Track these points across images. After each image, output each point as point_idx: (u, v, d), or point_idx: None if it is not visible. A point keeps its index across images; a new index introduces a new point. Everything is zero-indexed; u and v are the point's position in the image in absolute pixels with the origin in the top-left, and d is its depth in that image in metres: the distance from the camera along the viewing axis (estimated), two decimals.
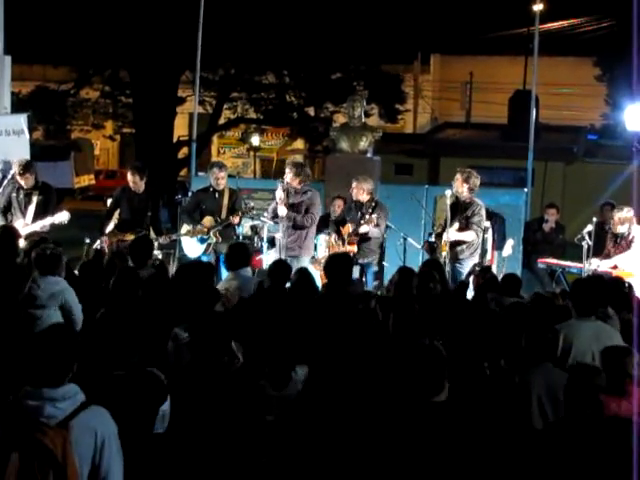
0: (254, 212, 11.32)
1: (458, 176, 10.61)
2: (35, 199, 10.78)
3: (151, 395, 5.06)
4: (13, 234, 8.89)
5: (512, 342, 5.90)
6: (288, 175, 10.73)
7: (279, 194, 10.72)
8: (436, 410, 4.56)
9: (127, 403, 4.90)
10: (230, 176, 11.84)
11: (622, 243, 10.85)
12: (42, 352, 4.09)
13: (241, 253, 8.35)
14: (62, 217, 10.69)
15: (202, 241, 11.01)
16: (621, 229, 10.89)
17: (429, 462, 4.47)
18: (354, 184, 11.03)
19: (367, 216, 10.79)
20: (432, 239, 11.15)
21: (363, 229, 10.80)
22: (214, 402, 5.11)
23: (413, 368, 4.66)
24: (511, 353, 5.92)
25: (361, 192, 10.98)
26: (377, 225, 10.87)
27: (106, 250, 10.64)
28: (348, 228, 10.90)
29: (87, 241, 10.95)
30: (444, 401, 4.64)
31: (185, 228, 11.07)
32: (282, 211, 10.65)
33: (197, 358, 5.44)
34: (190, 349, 5.67)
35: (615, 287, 7.87)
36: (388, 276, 10.42)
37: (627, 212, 10.91)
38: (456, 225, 10.44)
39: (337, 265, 7.77)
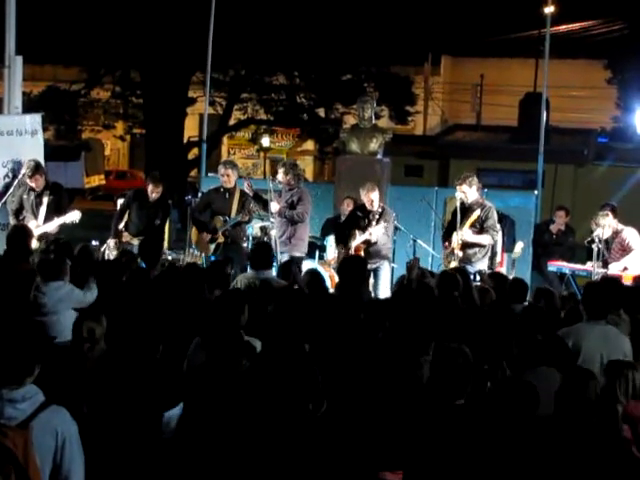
0: (262, 212, 11.40)
1: (460, 186, 10.56)
2: (46, 200, 10.81)
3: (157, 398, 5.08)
4: (25, 233, 8.90)
5: (509, 346, 5.90)
6: (279, 174, 11.20)
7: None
8: (458, 413, 4.59)
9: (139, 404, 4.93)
10: (240, 177, 11.87)
11: (614, 247, 10.80)
12: (1, 353, 4.09)
13: (265, 254, 8.31)
14: (73, 216, 10.72)
15: (212, 241, 11.04)
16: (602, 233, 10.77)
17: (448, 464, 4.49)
18: (362, 192, 10.91)
19: (371, 227, 10.70)
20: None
21: (366, 236, 10.71)
22: (225, 402, 5.12)
23: (441, 371, 4.69)
24: (510, 357, 5.92)
25: (369, 201, 10.82)
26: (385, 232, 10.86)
27: (107, 252, 10.73)
28: (355, 236, 10.80)
29: (94, 243, 10.95)
30: (464, 404, 4.66)
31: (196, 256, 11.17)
32: (274, 207, 11.00)
33: (210, 358, 5.44)
34: (204, 349, 5.68)
35: (629, 289, 7.83)
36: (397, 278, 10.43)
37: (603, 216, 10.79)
38: (467, 226, 10.44)
39: (350, 268, 7.74)
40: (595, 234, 10.85)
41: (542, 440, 4.63)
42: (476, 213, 10.44)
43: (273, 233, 11.13)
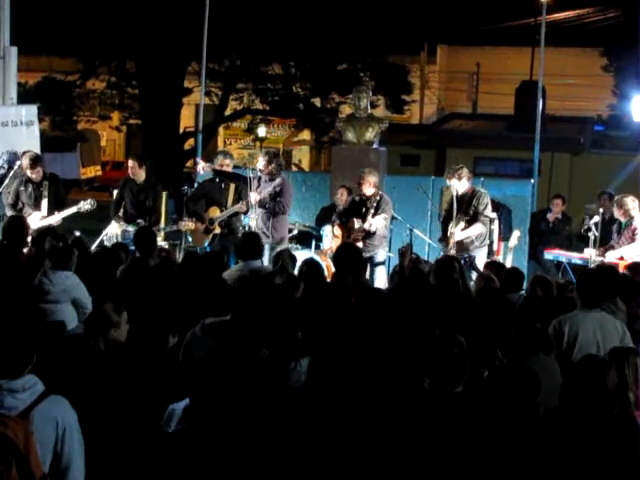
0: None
1: (449, 180, 10.60)
2: (46, 191, 10.77)
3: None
4: (22, 224, 8.89)
5: (507, 334, 5.91)
6: (260, 163, 10.86)
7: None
8: (458, 401, 4.59)
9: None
10: (236, 167, 11.84)
11: (624, 233, 10.75)
12: (0, 344, 4.10)
13: (253, 244, 8.29)
14: (87, 205, 10.74)
15: (207, 232, 11.01)
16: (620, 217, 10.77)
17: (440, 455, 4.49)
18: (359, 177, 10.93)
19: (370, 215, 10.67)
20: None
21: (366, 226, 10.68)
22: (238, 391, 5.08)
23: (437, 360, 4.69)
24: (507, 345, 5.93)
25: (366, 185, 10.84)
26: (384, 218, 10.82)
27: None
28: (353, 223, 10.78)
29: (77, 234, 10.87)
30: (462, 392, 4.66)
31: (186, 224, 11.04)
32: (254, 197, 10.71)
33: (221, 347, 5.41)
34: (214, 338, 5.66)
35: (625, 278, 7.83)
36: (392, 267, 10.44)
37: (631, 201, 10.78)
38: (461, 224, 10.46)
39: (347, 256, 7.74)
40: (592, 222, 10.86)
41: (554, 429, 4.62)
42: (473, 205, 10.50)
43: (252, 224, 10.94)
